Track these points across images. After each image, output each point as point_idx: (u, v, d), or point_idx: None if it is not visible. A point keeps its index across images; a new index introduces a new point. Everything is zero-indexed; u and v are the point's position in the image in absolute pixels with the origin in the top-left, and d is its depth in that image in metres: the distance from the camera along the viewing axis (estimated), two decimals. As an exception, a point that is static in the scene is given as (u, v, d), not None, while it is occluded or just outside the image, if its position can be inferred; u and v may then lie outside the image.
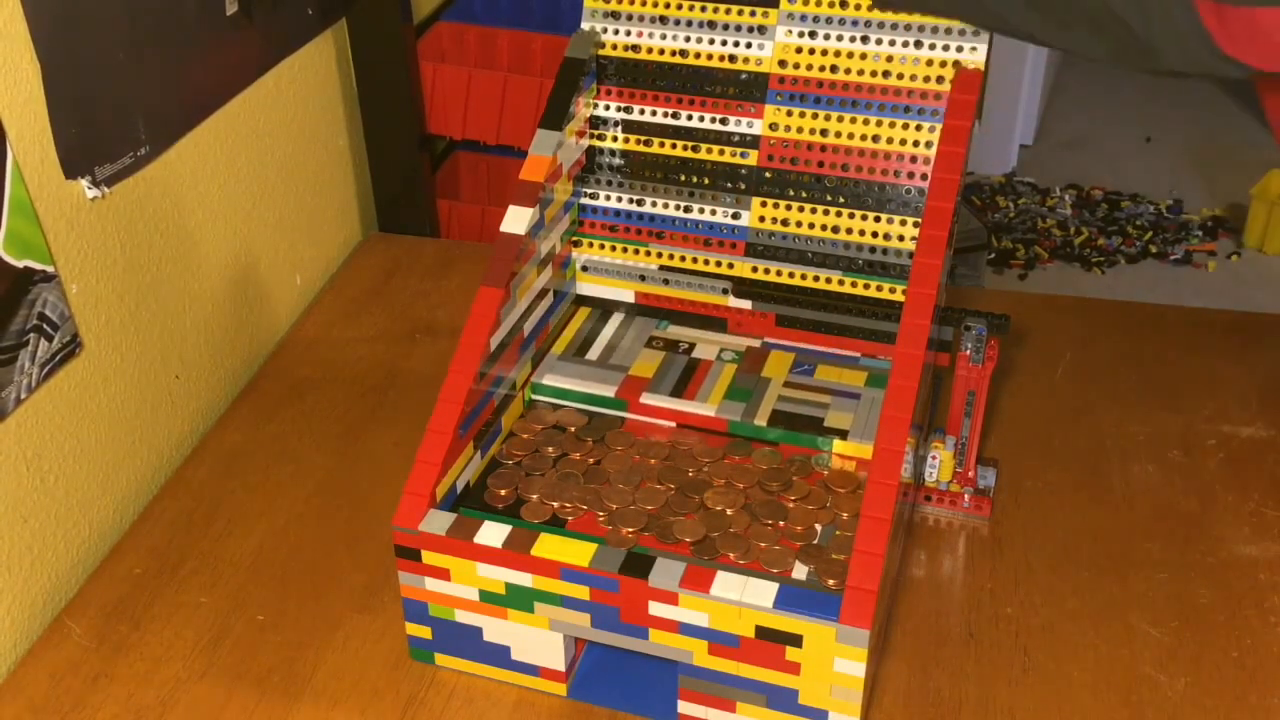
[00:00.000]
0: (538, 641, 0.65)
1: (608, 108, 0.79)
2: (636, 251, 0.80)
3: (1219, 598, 0.71)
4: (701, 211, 0.78)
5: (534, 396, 0.76)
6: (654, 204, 0.79)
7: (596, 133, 0.79)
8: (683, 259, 0.79)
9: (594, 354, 0.78)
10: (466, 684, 0.67)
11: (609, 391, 0.75)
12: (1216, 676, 0.66)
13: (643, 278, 0.80)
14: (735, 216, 0.78)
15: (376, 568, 0.74)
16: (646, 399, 0.75)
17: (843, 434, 0.72)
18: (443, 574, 0.64)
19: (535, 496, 0.68)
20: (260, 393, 0.89)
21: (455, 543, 0.63)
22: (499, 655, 0.66)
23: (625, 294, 0.81)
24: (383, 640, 0.69)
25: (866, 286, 0.76)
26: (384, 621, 0.70)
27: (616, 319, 0.82)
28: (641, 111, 0.78)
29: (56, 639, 0.70)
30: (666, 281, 0.80)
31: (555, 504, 0.68)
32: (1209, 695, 0.65)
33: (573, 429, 0.73)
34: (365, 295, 1.01)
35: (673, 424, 0.74)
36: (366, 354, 0.93)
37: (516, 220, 0.71)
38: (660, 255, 0.80)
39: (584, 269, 0.81)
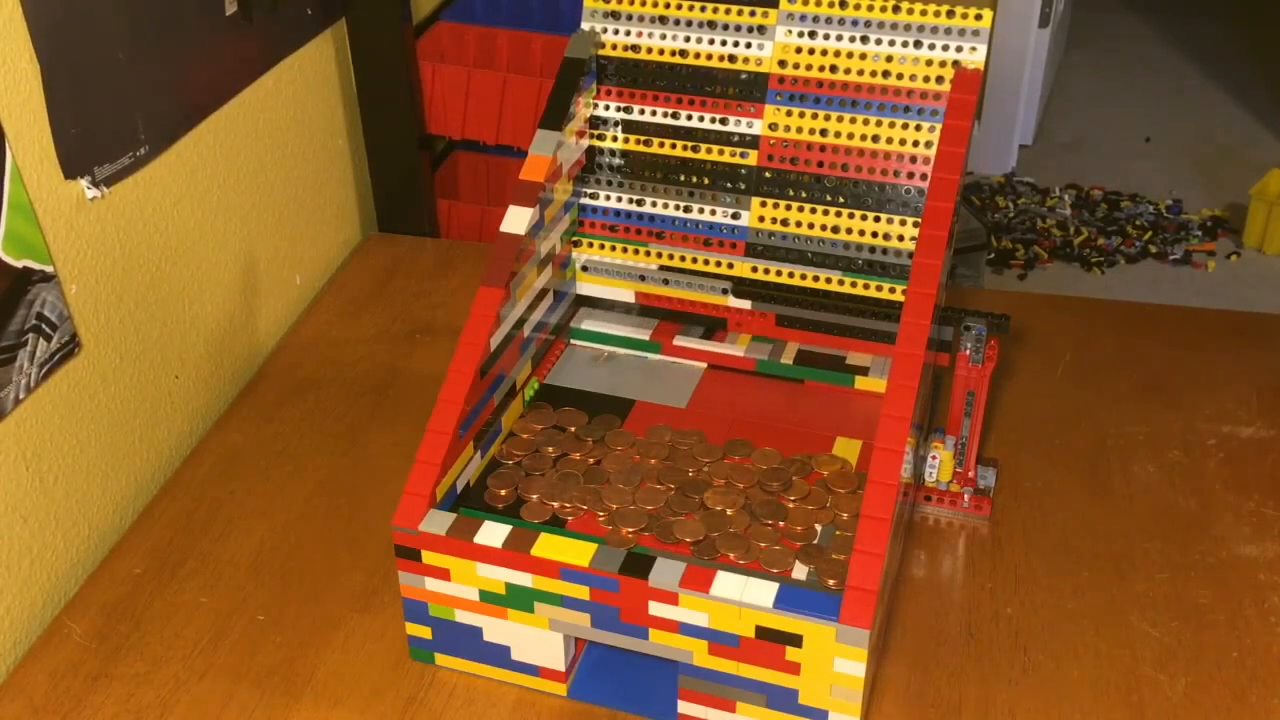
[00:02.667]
0: (538, 641, 0.65)
1: (608, 108, 0.79)
2: (636, 251, 0.80)
3: (1219, 598, 0.71)
4: (701, 211, 0.78)
5: (572, 341, 0.81)
6: (654, 204, 0.79)
7: (596, 133, 0.79)
8: (682, 259, 0.79)
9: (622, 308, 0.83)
10: (466, 684, 0.67)
11: (644, 335, 0.80)
12: (1217, 677, 0.66)
13: (643, 278, 0.80)
14: (735, 216, 0.78)
15: (376, 568, 0.74)
16: (680, 341, 0.80)
17: (864, 370, 0.77)
18: (443, 574, 0.64)
19: (535, 496, 0.68)
20: (260, 393, 0.89)
21: (455, 543, 0.63)
22: (499, 655, 0.66)
23: (625, 294, 0.81)
24: (383, 640, 0.69)
25: (866, 286, 0.76)
26: (384, 621, 0.70)
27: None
28: (641, 111, 0.78)
29: (56, 639, 0.70)
30: (666, 281, 0.80)
31: (555, 504, 0.68)
32: (1209, 695, 0.65)
33: (573, 429, 0.73)
34: (365, 295, 1.01)
35: (704, 365, 0.80)
36: (366, 354, 0.93)
37: (516, 220, 0.71)
38: (660, 255, 0.80)
39: (584, 269, 0.81)
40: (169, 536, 0.76)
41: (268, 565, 0.74)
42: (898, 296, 0.76)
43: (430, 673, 0.67)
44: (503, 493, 0.69)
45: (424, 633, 0.67)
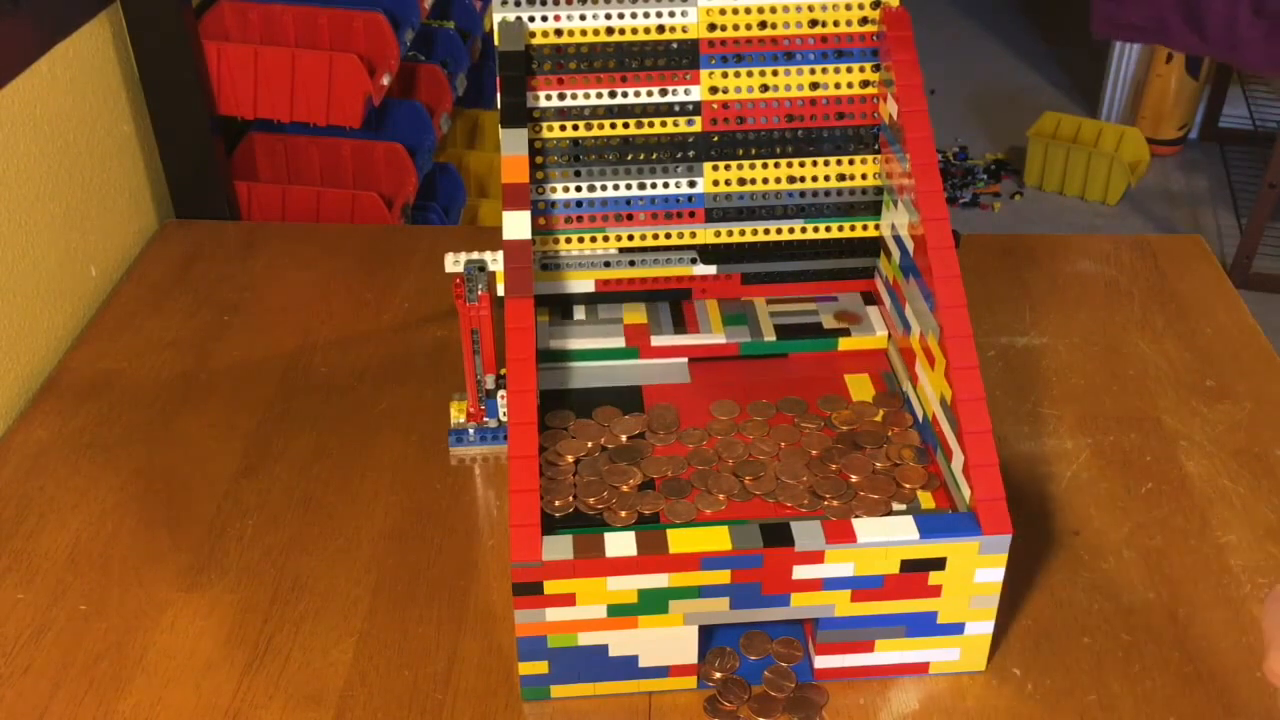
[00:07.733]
0: (668, 641, 0.63)
1: (548, 97, 0.76)
2: (594, 239, 0.78)
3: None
4: (655, 186, 0.77)
5: (542, 365, 0.75)
6: (604, 187, 0.77)
7: (535, 125, 0.76)
8: (644, 237, 0.78)
9: (579, 315, 0.79)
10: (301, 651, 0.67)
11: (619, 343, 0.77)
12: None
13: (607, 264, 0.78)
14: (691, 185, 0.77)
15: (200, 547, 0.73)
16: (657, 341, 0.77)
17: (845, 332, 0.78)
18: (566, 600, 0.61)
19: (615, 502, 0.66)
20: (63, 387, 0.87)
21: (586, 563, 0.60)
22: (625, 668, 0.64)
23: (585, 284, 0.79)
24: (212, 616, 0.69)
25: (828, 229, 0.78)
26: (213, 597, 0.70)
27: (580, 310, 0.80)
28: (575, 96, 0.76)
29: None
30: (632, 263, 0.79)
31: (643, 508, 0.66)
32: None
33: (595, 442, 0.71)
34: (167, 282, 0.99)
35: (685, 359, 0.77)
36: (174, 340, 0.92)
37: (518, 226, 0.68)
38: (620, 238, 0.78)
39: (543, 267, 0.79)
40: (-23, 538, 0.74)
41: (85, 556, 0.73)
42: (871, 232, 0.78)
43: (264, 641, 0.68)
44: (558, 503, 0.66)
45: (540, 669, 0.63)
